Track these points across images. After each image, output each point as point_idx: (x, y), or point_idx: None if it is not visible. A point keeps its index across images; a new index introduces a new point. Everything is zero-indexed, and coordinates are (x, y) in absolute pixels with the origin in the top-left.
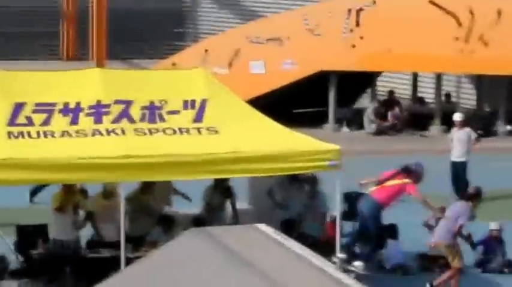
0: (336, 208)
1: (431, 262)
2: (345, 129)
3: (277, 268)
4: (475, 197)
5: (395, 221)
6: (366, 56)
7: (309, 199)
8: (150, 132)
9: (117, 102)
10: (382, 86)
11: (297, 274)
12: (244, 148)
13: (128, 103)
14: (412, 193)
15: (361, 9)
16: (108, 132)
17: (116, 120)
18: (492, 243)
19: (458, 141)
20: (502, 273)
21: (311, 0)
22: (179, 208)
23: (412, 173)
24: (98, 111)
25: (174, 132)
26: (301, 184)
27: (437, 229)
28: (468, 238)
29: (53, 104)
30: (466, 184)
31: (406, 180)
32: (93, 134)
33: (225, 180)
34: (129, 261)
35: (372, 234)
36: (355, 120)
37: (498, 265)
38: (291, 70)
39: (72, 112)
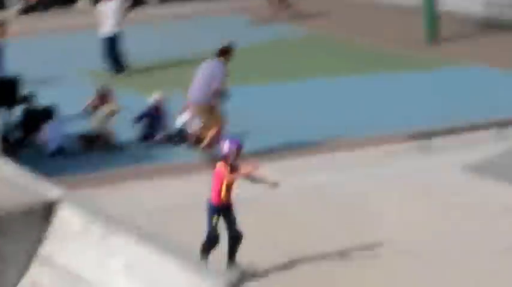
0: None
1: (91, 142)
2: None
3: None
4: (227, 52)
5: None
6: None
7: None
8: None
9: None
10: None
11: None
12: None
13: None
14: None
15: None
16: None
17: None
18: (155, 115)
19: (108, 13)
20: (166, 145)
21: None
22: None
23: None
24: None
25: None
26: None
27: (192, 91)
28: (224, 94)
29: None
30: (120, 56)
31: None
32: None
33: None
34: None
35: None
36: None
37: (162, 137)
38: None
39: None
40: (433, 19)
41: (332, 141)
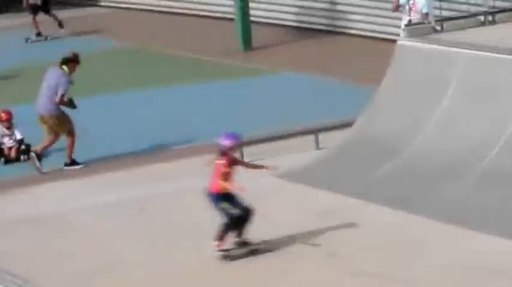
0: None
1: None
2: None
3: None
4: (70, 61)
5: None
6: None
7: None
8: None
9: None
10: None
11: None
12: None
13: None
14: None
15: None
16: None
17: None
18: None
19: None
20: None
21: None
22: None
23: None
24: None
25: None
26: None
27: (39, 101)
28: (71, 104)
29: None
30: None
31: None
32: None
33: None
34: None
35: None
36: None
37: None
38: None
39: None
40: (246, 27)
41: (151, 153)
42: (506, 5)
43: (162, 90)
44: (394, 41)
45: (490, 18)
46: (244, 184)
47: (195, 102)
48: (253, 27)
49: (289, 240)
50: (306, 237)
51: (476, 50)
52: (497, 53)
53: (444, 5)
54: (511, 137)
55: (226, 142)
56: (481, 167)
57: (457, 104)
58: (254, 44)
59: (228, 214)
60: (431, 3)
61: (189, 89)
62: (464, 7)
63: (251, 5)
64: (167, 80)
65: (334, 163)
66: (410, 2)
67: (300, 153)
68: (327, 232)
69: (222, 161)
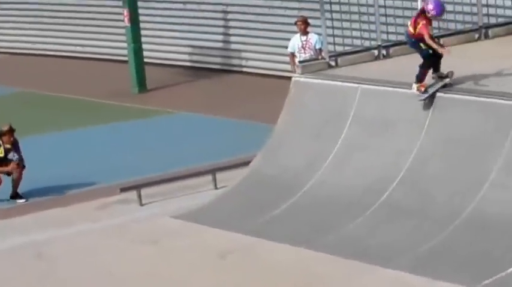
0: None
1: None
2: None
3: None
4: (4, 135)
5: None
6: None
7: None
8: None
9: None
10: None
11: None
12: None
13: None
14: None
15: None
16: None
17: None
18: None
19: None
20: None
21: None
22: None
23: None
24: None
25: None
26: None
27: None
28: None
29: None
30: None
31: None
32: None
33: None
34: None
35: None
36: None
37: None
38: None
39: None
40: (140, 69)
41: (46, 198)
42: (399, 38)
43: (58, 135)
44: (290, 77)
45: (384, 52)
46: (142, 225)
47: (91, 146)
48: (147, 68)
49: (189, 280)
50: (206, 277)
51: (371, 84)
52: (392, 86)
53: (338, 40)
54: (409, 170)
55: (430, 7)
56: (381, 201)
57: (354, 139)
58: (149, 85)
59: (424, 54)
60: (325, 39)
61: (85, 133)
62: (358, 41)
63: (145, 46)
64: (63, 124)
65: (231, 202)
66: (303, 39)
67: (197, 193)
68: (226, 272)
69: (423, 22)
